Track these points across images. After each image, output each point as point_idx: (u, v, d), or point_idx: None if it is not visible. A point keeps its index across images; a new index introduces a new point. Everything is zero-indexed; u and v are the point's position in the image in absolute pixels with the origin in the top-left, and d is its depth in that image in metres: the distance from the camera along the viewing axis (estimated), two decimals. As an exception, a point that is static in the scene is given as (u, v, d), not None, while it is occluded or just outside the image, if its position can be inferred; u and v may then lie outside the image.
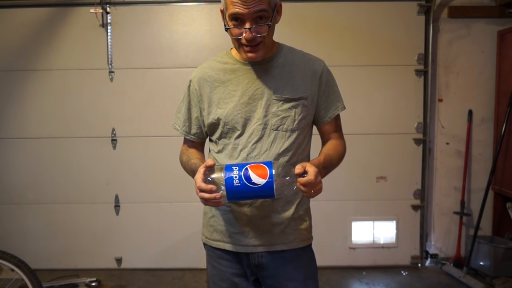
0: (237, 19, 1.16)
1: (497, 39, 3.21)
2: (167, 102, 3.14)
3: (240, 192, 1.11)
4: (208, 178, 1.12)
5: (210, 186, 1.09)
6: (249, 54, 1.21)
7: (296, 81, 1.28)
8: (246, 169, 1.11)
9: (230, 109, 1.27)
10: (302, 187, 1.11)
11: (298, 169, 1.10)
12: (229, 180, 1.10)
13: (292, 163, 1.25)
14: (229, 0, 1.14)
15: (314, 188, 1.11)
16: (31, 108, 3.22)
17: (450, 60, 3.27)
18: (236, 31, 1.18)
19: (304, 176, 1.10)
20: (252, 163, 1.13)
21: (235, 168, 1.11)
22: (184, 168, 1.37)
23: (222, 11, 1.22)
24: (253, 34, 1.16)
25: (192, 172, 1.27)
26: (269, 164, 1.11)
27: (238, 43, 1.22)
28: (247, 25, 1.15)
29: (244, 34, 1.16)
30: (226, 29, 1.20)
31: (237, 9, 1.13)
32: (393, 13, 3.17)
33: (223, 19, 1.23)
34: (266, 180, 1.09)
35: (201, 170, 1.12)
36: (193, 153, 1.36)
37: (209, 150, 1.39)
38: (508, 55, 3.11)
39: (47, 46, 3.18)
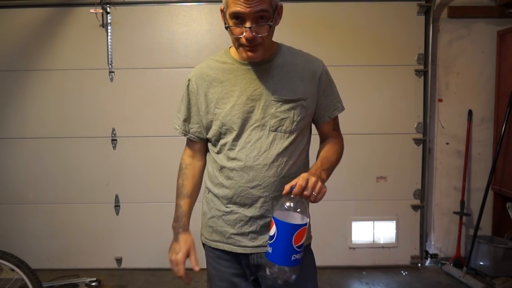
0: (238, 18, 1.15)
1: (497, 39, 3.21)
2: (167, 102, 3.14)
3: (279, 252, 1.10)
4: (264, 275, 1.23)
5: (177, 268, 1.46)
6: (249, 54, 1.20)
7: (295, 82, 1.27)
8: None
9: (228, 110, 1.26)
10: (304, 195, 1.11)
11: (285, 189, 1.12)
12: (267, 255, 1.12)
13: (290, 165, 1.27)
14: None
15: (314, 191, 1.10)
16: (31, 108, 3.22)
17: (450, 60, 3.27)
18: (236, 30, 1.17)
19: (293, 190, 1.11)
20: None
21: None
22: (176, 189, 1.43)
23: (222, 10, 1.22)
24: (253, 33, 1.15)
25: (175, 214, 1.44)
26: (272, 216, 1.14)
27: (238, 43, 1.21)
28: (248, 24, 1.14)
29: (244, 33, 1.15)
30: (226, 27, 1.19)
31: (239, 8, 1.12)
32: (393, 13, 3.17)
33: (223, 18, 1.22)
34: (275, 224, 1.10)
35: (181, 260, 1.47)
36: (187, 179, 1.40)
37: (208, 151, 1.38)
38: (508, 55, 3.11)
39: (47, 46, 3.18)
